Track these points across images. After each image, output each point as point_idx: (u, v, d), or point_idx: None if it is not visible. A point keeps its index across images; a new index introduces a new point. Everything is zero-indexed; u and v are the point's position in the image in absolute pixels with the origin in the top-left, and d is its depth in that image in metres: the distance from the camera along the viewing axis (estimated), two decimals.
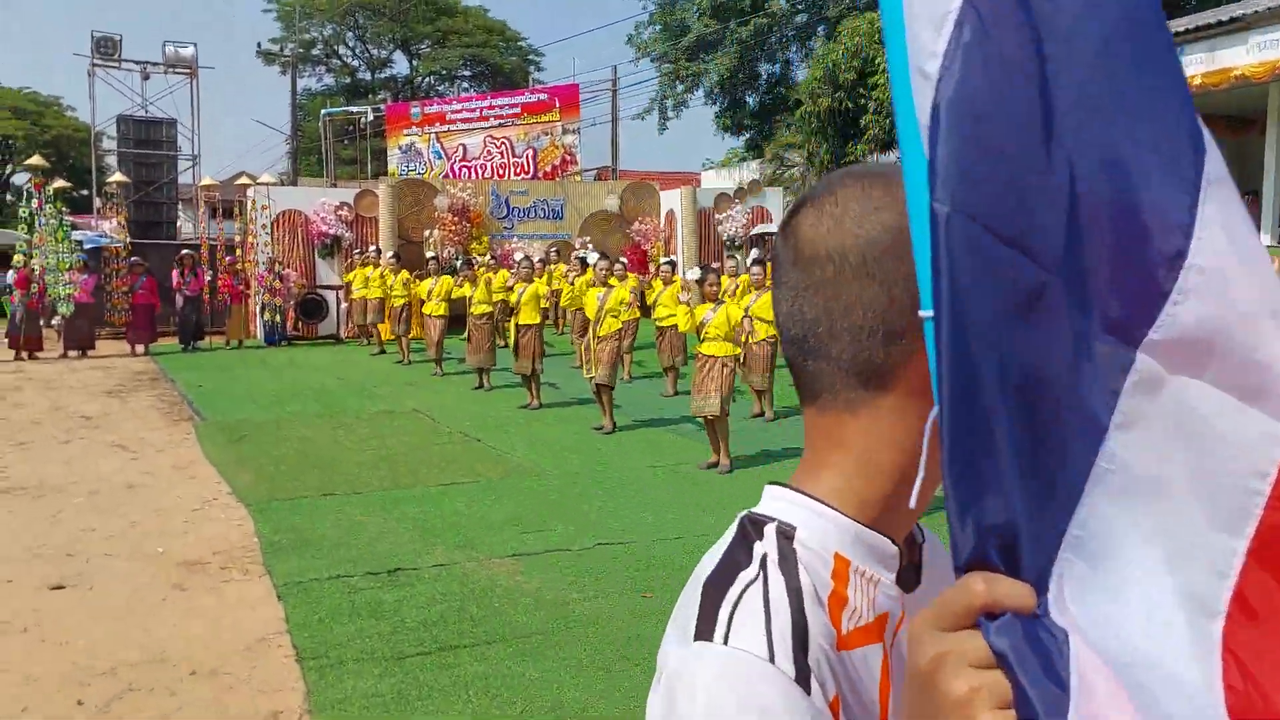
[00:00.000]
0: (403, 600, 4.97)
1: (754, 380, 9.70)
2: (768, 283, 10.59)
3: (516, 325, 10.71)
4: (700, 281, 7.94)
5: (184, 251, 18.10)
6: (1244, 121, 22.16)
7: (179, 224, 24.32)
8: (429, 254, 15.93)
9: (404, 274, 15.34)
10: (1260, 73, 17.15)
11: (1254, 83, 17.35)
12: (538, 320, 10.77)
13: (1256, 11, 17.13)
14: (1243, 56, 17.50)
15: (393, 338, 15.80)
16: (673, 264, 12.30)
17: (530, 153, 26.95)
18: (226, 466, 8.00)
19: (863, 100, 21.93)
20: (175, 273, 17.27)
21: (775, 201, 23.25)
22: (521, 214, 22.06)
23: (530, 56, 45.95)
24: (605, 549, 5.83)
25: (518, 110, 27.40)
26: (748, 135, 37.57)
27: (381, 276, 16.05)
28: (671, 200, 22.51)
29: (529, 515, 6.59)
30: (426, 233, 20.63)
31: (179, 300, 17.31)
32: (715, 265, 8.59)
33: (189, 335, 17.37)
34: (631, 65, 37.77)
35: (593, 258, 9.51)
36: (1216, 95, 18.71)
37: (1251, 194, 19.35)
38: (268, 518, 6.48)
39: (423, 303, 14.44)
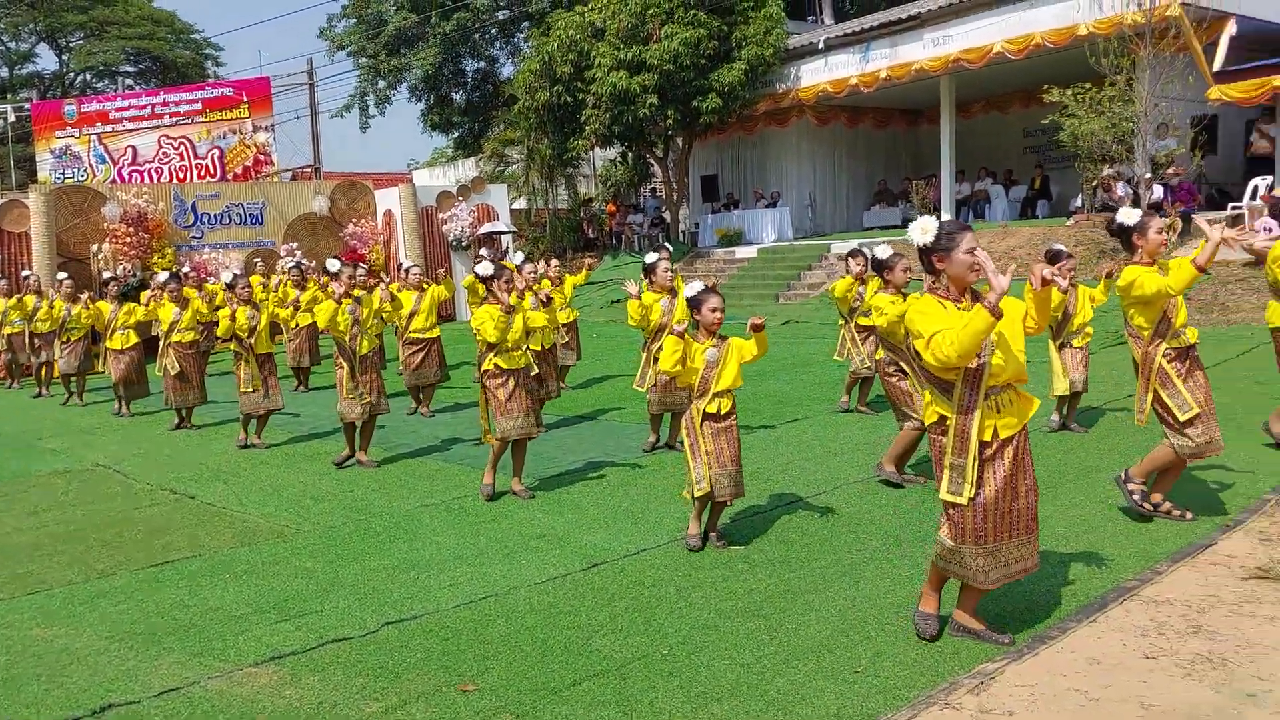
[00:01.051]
0: None
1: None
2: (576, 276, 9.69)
3: (257, 355, 8.89)
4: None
5: None
6: (918, 113, 24.19)
7: None
8: (105, 274, 13.23)
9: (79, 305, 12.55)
10: (936, 66, 18.51)
11: (930, 75, 18.75)
12: (271, 346, 9.03)
13: (930, 10, 18.44)
14: (920, 51, 18.81)
15: (59, 377, 13.02)
16: (415, 268, 10.85)
17: (216, 153, 24.08)
18: None
19: (581, 95, 21.39)
20: None
21: (500, 199, 22.22)
22: (213, 220, 19.42)
23: (207, 50, 41.46)
24: (396, 630, 4.54)
25: (198, 107, 24.42)
26: (457, 133, 36.12)
27: (50, 306, 13.15)
28: (388, 200, 20.80)
29: (284, 595, 5.12)
30: (95, 248, 17.53)
31: None
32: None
33: None
34: (326, 59, 34.90)
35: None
36: (900, 88, 20.10)
37: (930, 177, 21.02)
38: None
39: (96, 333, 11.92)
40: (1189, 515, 5.01)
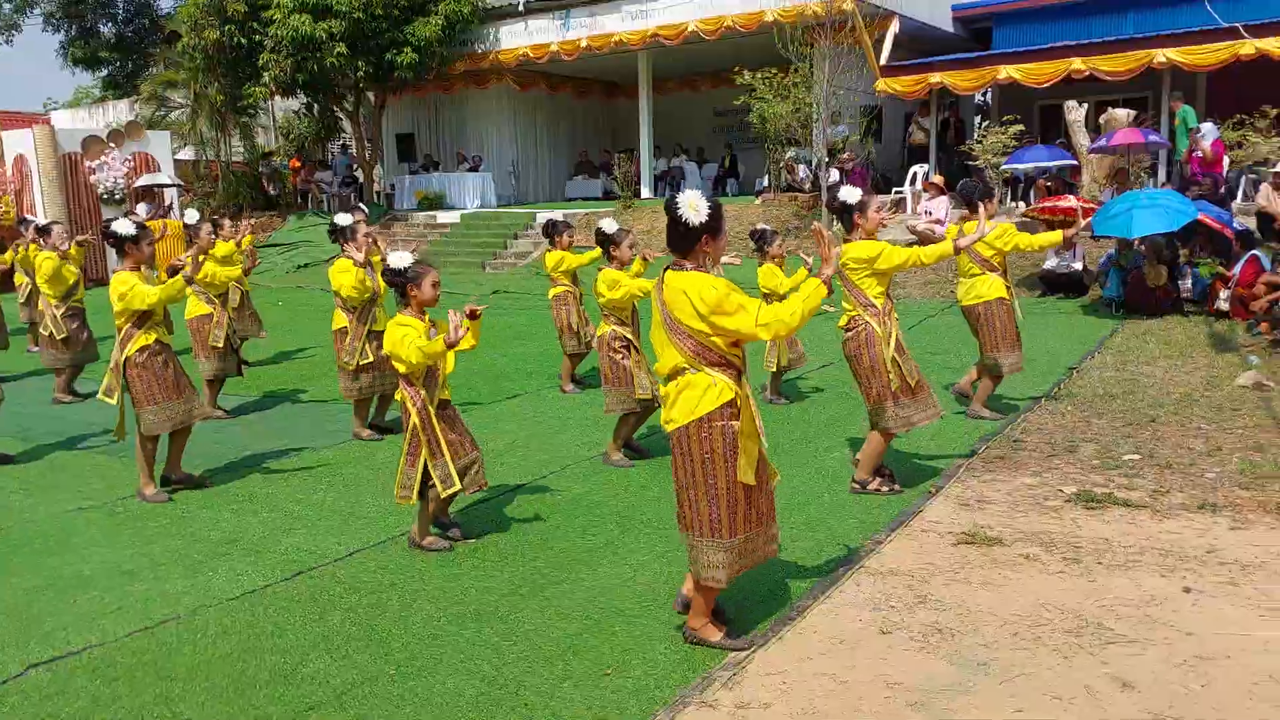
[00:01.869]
0: None
1: None
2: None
3: None
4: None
5: None
6: (616, 86, 24.59)
7: None
8: None
9: None
10: (634, 40, 18.81)
11: (629, 48, 19.05)
12: None
13: None
14: (619, 24, 19.03)
15: None
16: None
17: None
18: None
19: (258, 37, 19.44)
20: None
21: (161, 147, 19.71)
22: None
23: None
24: (48, 673, 3.69)
25: None
26: (106, 71, 31.74)
27: None
28: (20, 143, 17.76)
29: None
30: None
31: None
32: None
33: None
34: None
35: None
36: (601, 59, 20.22)
37: (629, 150, 21.48)
38: None
39: None
40: (898, 487, 5.29)
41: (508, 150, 22.57)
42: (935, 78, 15.86)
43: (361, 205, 7.35)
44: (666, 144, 22.28)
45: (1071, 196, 12.73)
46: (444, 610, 4.11)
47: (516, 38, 20.04)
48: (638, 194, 19.44)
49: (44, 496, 5.93)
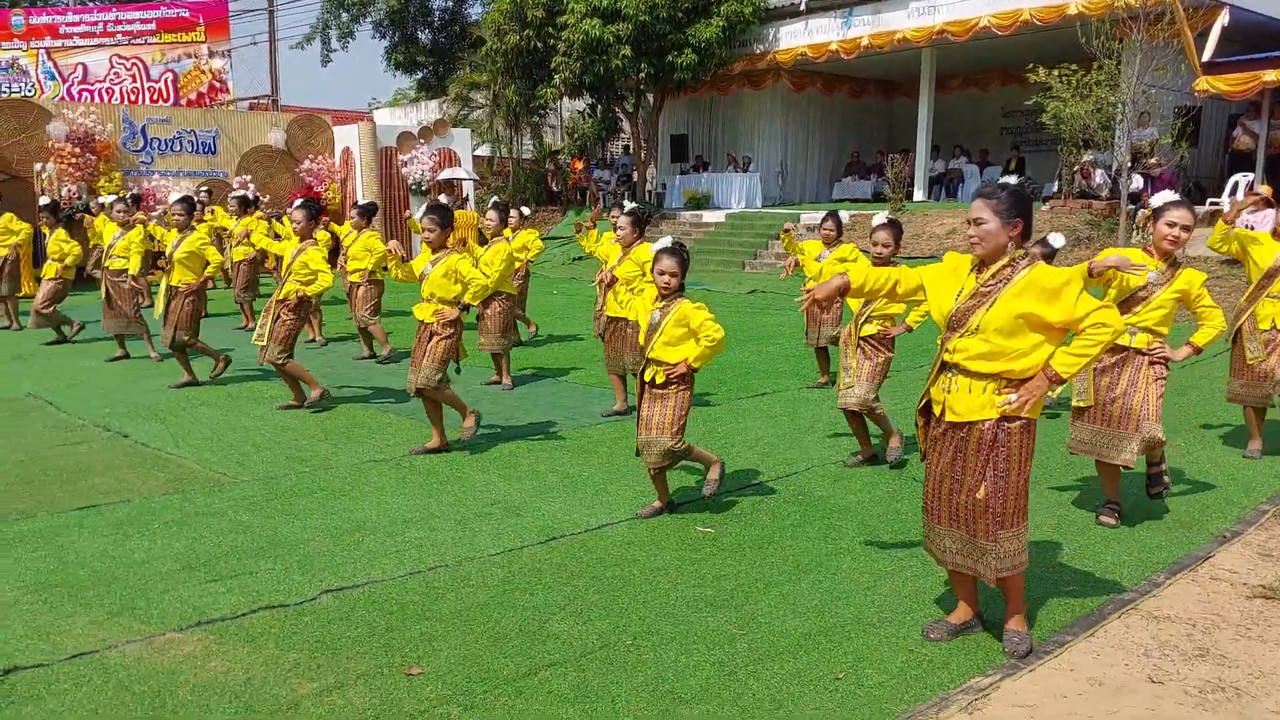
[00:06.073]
0: None
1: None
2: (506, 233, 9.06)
3: (168, 286, 8.38)
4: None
5: None
6: (894, 86, 23.84)
7: None
8: (43, 199, 12.23)
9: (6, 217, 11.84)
10: (919, 36, 18.17)
11: (913, 45, 18.41)
12: (194, 279, 8.46)
13: None
14: (904, 20, 18.44)
15: None
16: (369, 209, 10.33)
17: (169, 76, 23.07)
18: None
19: (552, 41, 20.67)
20: None
21: (463, 144, 21.46)
22: (163, 146, 18.49)
23: None
24: (336, 600, 4.16)
25: (152, 26, 23.37)
26: (421, 74, 35.01)
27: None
28: (347, 137, 19.98)
29: (216, 552, 4.71)
30: (38, 166, 16.61)
31: None
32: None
33: None
34: None
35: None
36: (880, 58, 19.72)
37: (904, 151, 20.73)
38: None
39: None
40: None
41: (776, 151, 22.57)
42: (1270, 76, 14.04)
43: (621, 203, 7.71)
44: (946, 145, 21.35)
45: None
46: (682, 592, 4.21)
47: (795, 37, 19.98)
48: (910, 195, 18.76)
49: (345, 447, 6.68)
